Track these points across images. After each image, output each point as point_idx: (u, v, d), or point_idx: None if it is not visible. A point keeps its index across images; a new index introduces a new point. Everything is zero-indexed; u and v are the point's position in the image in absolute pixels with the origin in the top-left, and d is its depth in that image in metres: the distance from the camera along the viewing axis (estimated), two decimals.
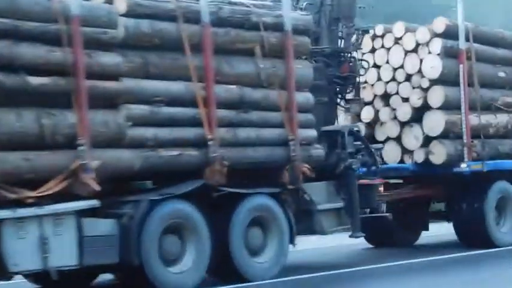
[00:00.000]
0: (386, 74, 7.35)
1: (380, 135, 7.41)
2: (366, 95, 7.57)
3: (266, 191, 5.30)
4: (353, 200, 6.04)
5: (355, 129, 6.56)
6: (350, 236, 6.36)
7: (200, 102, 4.63)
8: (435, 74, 6.96)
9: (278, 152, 5.39)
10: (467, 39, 7.18)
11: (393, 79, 7.32)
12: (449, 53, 7.11)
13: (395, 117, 7.24)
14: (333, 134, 6.37)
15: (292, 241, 5.50)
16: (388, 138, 7.30)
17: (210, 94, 4.72)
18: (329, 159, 6.21)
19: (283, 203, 5.39)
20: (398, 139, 7.25)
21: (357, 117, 7.59)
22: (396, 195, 7.63)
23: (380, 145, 7.12)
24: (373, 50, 7.46)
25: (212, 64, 4.80)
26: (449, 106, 7.11)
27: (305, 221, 5.76)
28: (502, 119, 7.62)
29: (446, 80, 7.11)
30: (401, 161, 7.34)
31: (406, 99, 7.13)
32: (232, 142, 4.99)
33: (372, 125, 7.50)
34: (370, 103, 7.51)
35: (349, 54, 6.76)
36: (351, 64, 6.71)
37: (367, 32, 7.05)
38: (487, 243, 7.24)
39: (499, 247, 7.23)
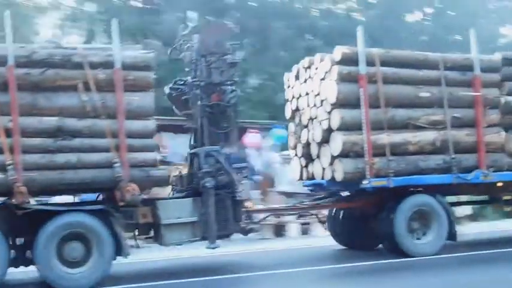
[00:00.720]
0: (311, 101, 8.10)
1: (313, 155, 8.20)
2: (303, 119, 8.38)
3: (83, 208, 5.79)
4: (208, 215, 6.39)
5: (213, 151, 6.82)
6: (206, 247, 6.68)
7: (2, 133, 5.34)
8: (333, 98, 7.30)
9: (106, 174, 5.80)
10: (372, 64, 7.34)
11: (314, 105, 7.99)
12: (347, 79, 7.31)
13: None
14: (194, 156, 7.01)
15: (120, 253, 5.86)
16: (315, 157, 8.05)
17: (15, 125, 5.41)
18: (189, 178, 6.94)
19: (107, 219, 5.77)
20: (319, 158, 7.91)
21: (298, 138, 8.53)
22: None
23: (245, 164, 7.35)
24: (305, 80, 8.25)
25: (25, 100, 5.54)
26: (349, 127, 7.26)
27: (154, 233, 6.51)
28: (426, 136, 7.48)
29: (347, 103, 7.32)
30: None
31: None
32: (49, 166, 5.56)
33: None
34: (306, 126, 8.28)
35: (219, 86, 7.18)
36: (220, 94, 7.14)
37: (235, 64, 7.35)
38: (402, 253, 7.29)
39: (415, 257, 7.20)
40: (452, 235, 7.55)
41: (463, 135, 7.65)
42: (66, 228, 5.56)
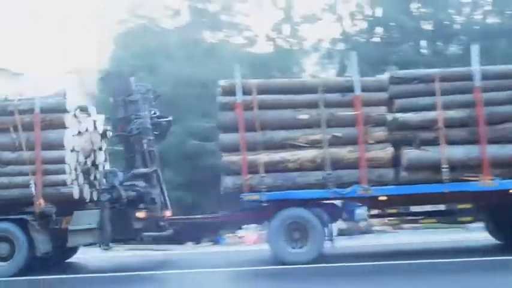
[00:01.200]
0: None
1: None
2: None
3: (8, 217, 8.10)
4: (103, 223, 8.11)
5: (109, 172, 8.74)
6: (101, 249, 8.60)
7: None
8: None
9: (26, 192, 8.07)
10: (249, 93, 8.19)
11: None
12: (227, 107, 8.31)
13: None
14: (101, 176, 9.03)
15: (36, 253, 7.98)
16: None
17: None
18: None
19: (25, 226, 7.97)
20: None
21: None
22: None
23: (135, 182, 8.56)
24: None
25: None
26: (229, 149, 8.21)
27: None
28: (305, 154, 7.96)
29: (228, 128, 8.30)
30: None
31: None
32: None
33: None
34: None
35: (122, 120, 8.90)
36: (124, 126, 8.83)
37: (135, 102, 8.96)
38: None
39: (291, 265, 7.73)
40: (331, 244, 8.07)
41: (346, 152, 7.93)
42: None
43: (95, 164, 9.44)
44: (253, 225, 12.13)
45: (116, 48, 21.66)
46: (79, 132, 8.78)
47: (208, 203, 16.56)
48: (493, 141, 7.71)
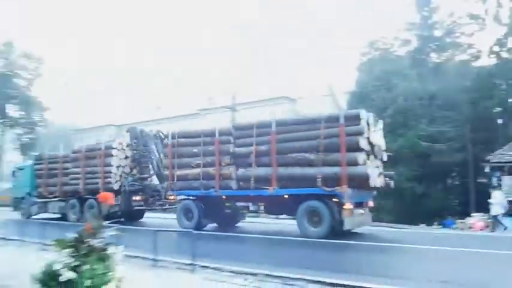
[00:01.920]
0: None
1: None
2: None
3: None
4: (122, 200, 16.85)
5: (125, 177, 17.21)
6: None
7: None
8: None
9: None
10: (173, 138, 14.70)
11: None
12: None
13: None
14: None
15: None
16: None
17: None
18: None
19: None
20: None
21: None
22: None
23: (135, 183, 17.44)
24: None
25: None
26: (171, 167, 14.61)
27: None
28: (195, 171, 13.86)
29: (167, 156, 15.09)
30: None
31: None
32: None
33: None
34: None
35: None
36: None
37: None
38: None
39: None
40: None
41: (211, 170, 13.54)
42: None
43: (124, 173, 17.38)
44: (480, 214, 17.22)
45: (360, 74, 27.17)
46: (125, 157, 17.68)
47: (435, 191, 22.65)
48: (279, 165, 12.05)
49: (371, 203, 13.01)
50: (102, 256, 3.47)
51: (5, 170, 46.71)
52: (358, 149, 10.81)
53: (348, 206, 10.95)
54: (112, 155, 16.87)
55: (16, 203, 21.40)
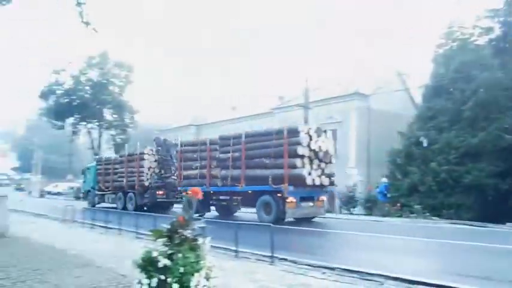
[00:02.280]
0: None
1: None
2: None
3: None
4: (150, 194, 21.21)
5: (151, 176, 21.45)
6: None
7: None
8: None
9: None
10: (181, 146, 19.13)
11: None
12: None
13: None
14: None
15: None
16: None
17: None
18: None
19: None
20: None
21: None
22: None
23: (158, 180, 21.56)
24: None
25: None
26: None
27: None
28: (194, 172, 17.48)
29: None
30: None
31: None
32: None
33: None
34: None
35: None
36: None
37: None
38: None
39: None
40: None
41: (204, 171, 17.11)
42: None
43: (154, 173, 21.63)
44: None
45: (436, 66, 25.24)
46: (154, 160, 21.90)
47: None
48: (247, 168, 15.25)
49: (323, 198, 15.62)
50: (193, 246, 3.69)
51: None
52: (297, 155, 13.81)
53: (291, 199, 13.90)
54: (144, 159, 21.47)
55: (84, 195, 27.68)
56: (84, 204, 24.99)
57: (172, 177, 20.49)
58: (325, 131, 15.60)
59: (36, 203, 31.33)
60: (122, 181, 22.65)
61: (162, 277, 3.50)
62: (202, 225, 4.03)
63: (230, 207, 17.32)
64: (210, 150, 16.95)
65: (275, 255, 7.19)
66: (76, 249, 8.63)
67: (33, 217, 18.06)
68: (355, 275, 6.06)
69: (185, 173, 18.03)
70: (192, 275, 3.51)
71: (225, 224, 11.00)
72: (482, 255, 8.55)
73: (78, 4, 8.85)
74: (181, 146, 18.92)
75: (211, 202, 17.16)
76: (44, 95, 47.49)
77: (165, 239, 3.79)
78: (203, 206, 16.40)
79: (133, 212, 16.88)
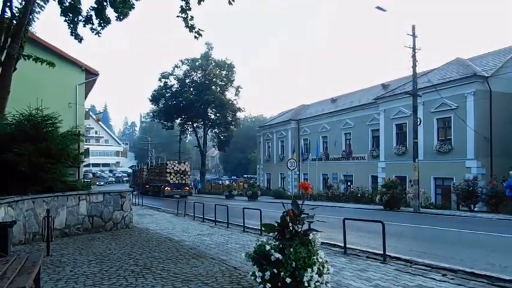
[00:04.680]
0: None
1: None
2: None
3: None
4: None
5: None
6: None
7: None
8: None
9: None
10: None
11: None
12: None
13: None
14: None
15: None
16: None
17: None
18: None
19: None
20: None
21: None
22: None
23: None
24: None
25: None
26: None
27: None
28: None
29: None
30: None
31: None
32: None
33: None
34: None
35: None
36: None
37: None
38: None
39: None
40: None
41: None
42: None
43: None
44: None
45: None
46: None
47: None
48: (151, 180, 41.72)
49: (187, 188, 36.91)
50: (304, 241, 3.72)
51: (209, 163, 55.44)
52: (167, 173, 35.68)
53: (167, 188, 35.42)
54: (167, 170, 36.29)
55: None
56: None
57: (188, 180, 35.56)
58: (184, 162, 38.65)
59: (152, 198, 34.74)
60: (147, 184, 39.04)
61: (275, 270, 3.58)
62: (312, 220, 4.02)
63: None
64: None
65: (387, 253, 6.88)
66: (189, 241, 9.34)
67: (150, 210, 20.11)
68: (482, 280, 5.48)
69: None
70: (305, 270, 3.53)
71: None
72: None
73: (183, 11, 9.46)
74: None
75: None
76: (155, 99, 52.38)
77: (276, 233, 3.88)
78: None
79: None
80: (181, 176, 35.61)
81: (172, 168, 35.56)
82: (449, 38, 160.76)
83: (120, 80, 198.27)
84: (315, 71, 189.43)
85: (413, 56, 20.70)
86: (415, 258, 6.83)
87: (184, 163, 37.73)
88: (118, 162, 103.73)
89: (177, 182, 35.05)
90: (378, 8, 19.96)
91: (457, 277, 5.69)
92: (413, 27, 20.96)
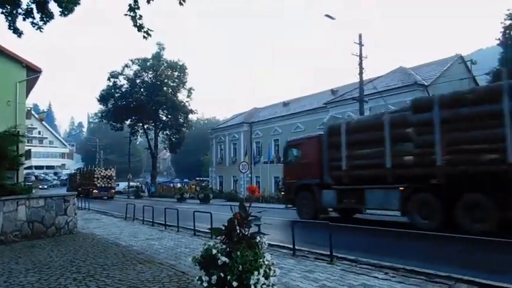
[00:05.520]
0: None
1: None
2: None
3: None
4: None
5: None
6: None
7: None
8: None
9: None
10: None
11: None
12: None
13: None
14: None
15: None
16: None
17: None
18: None
19: None
20: None
21: None
22: None
23: None
24: None
25: None
26: None
27: None
28: None
29: None
30: None
31: None
32: None
33: None
34: None
35: None
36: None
37: None
38: None
39: None
40: None
41: None
42: None
43: None
44: None
45: (505, 50, 24.39)
46: None
47: None
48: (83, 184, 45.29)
49: (112, 191, 42.10)
50: (251, 243, 3.70)
51: (161, 165, 53.58)
52: (94, 178, 41.15)
53: (94, 191, 39.68)
54: (94, 175, 41.91)
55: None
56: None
57: None
58: (110, 168, 43.51)
59: (99, 201, 33.35)
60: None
61: (222, 274, 3.54)
62: (259, 223, 4.03)
63: None
64: None
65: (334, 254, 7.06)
66: (137, 246, 9.05)
67: (97, 214, 19.28)
68: (422, 277, 5.77)
69: None
70: (252, 273, 3.52)
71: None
72: None
73: (131, 9, 9.17)
74: None
75: None
76: (103, 99, 50.40)
77: (223, 237, 3.84)
78: None
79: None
80: (108, 180, 41.13)
81: (100, 173, 41.03)
82: (394, 48, 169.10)
83: (66, 79, 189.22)
84: (268, 75, 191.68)
85: (360, 64, 21.55)
86: (360, 258, 7.06)
87: (110, 169, 43.20)
88: (64, 165, 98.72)
89: (103, 185, 40.33)
90: (327, 16, 20.57)
91: (398, 275, 5.95)
92: (360, 36, 21.83)
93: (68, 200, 11.18)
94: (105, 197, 38.95)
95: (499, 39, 25.76)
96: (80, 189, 40.57)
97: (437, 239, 9.69)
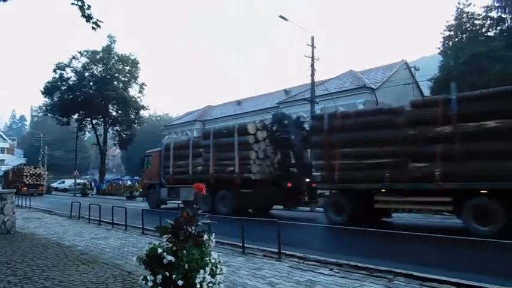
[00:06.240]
0: None
1: None
2: None
3: None
4: None
5: None
6: None
7: None
8: None
9: None
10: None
11: None
12: None
13: None
14: None
15: None
16: None
17: None
18: None
19: None
20: None
21: None
22: None
23: None
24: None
25: None
26: None
27: None
28: None
29: None
30: None
31: None
32: None
33: None
34: None
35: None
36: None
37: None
38: None
39: None
40: None
41: None
42: None
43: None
44: None
45: (445, 59, 25.44)
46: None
47: None
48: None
49: (41, 188, 42.18)
50: (198, 242, 3.65)
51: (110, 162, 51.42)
52: (23, 176, 41.26)
53: (24, 188, 38.00)
54: (23, 173, 41.48)
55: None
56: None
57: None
58: (40, 167, 45.53)
59: (42, 199, 31.61)
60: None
61: (167, 274, 3.47)
62: (207, 221, 3.99)
63: None
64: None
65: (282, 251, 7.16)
66: (82, 246, 8.67)
67: (39, 213, 18.22)
68: (363, 272, 6.00)
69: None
70: (198, 271, 3.47)
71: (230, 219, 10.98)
72: None
73: None
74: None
75: None
76: (48, 91, 47.76)
77: (170, 236, 3.76)
78: None
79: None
80: (37, 178, 42.41)
81: (29, 172, 42.20)
82: (345, 51, 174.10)
83: (7, 70, 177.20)
84: (222, 72, 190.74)
85: (312, 65, 22.05)
86: (308, 255, 7.21)
87: (39, 167, 45.36)
88: (3, 160, 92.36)
89: (32, 183, 41.69)
90: (281, 17, 20.84)
91: (343, 270, 6.14)
92: (313, 39, 22.33)
93: (5, 198, 10.49)
94: (35, 194, 38.93)
95: (440, 48, 27.43)
96: (12, 186, 38.84)
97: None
